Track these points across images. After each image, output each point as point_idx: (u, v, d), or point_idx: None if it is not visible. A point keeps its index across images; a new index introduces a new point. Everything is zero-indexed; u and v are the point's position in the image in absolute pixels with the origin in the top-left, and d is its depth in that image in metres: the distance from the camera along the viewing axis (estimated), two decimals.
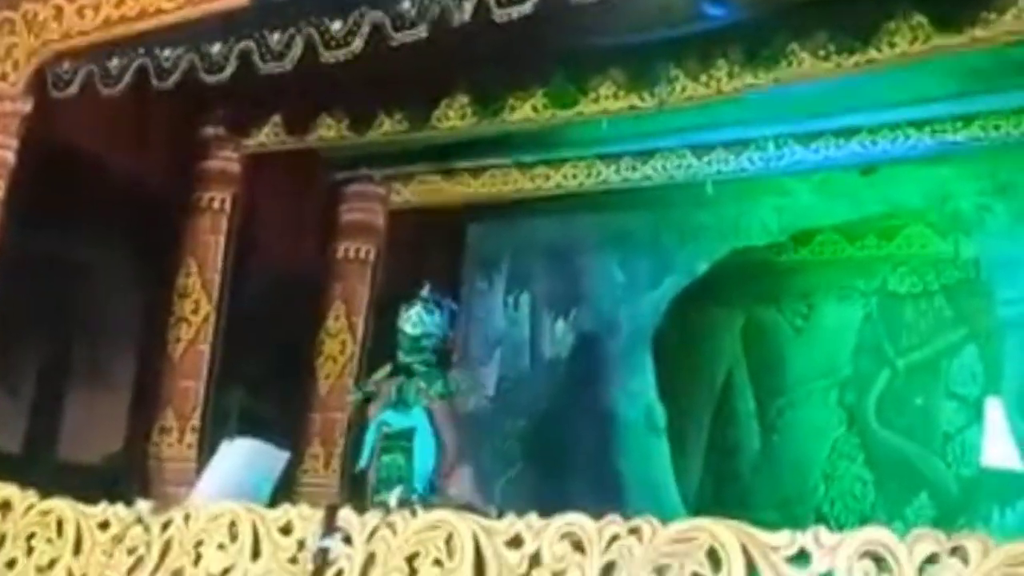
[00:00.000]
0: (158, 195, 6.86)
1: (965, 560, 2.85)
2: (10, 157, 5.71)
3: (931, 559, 2.89)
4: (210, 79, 5.25)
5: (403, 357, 5.55)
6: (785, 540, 3.09)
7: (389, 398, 5.48)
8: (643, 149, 7.12)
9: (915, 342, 8.24)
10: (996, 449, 7.31)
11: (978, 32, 5.24)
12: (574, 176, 7.36)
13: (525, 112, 6.39)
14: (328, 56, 4.90)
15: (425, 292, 5.68)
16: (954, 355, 8.05)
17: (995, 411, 7.32)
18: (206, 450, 6.21)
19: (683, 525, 3.23)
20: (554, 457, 8.26)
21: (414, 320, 5.55)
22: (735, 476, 8.54)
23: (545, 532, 3.37)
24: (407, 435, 5.36)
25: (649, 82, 6.12)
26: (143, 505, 4.25)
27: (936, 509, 7.74)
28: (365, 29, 4.76)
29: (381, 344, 7.68)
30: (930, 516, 7.57)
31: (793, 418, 8.54)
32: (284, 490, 4.92)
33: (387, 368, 5.60)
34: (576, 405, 8.37)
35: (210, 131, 6.98)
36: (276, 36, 5.02)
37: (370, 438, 5.45)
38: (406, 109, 6.55)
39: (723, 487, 8.50)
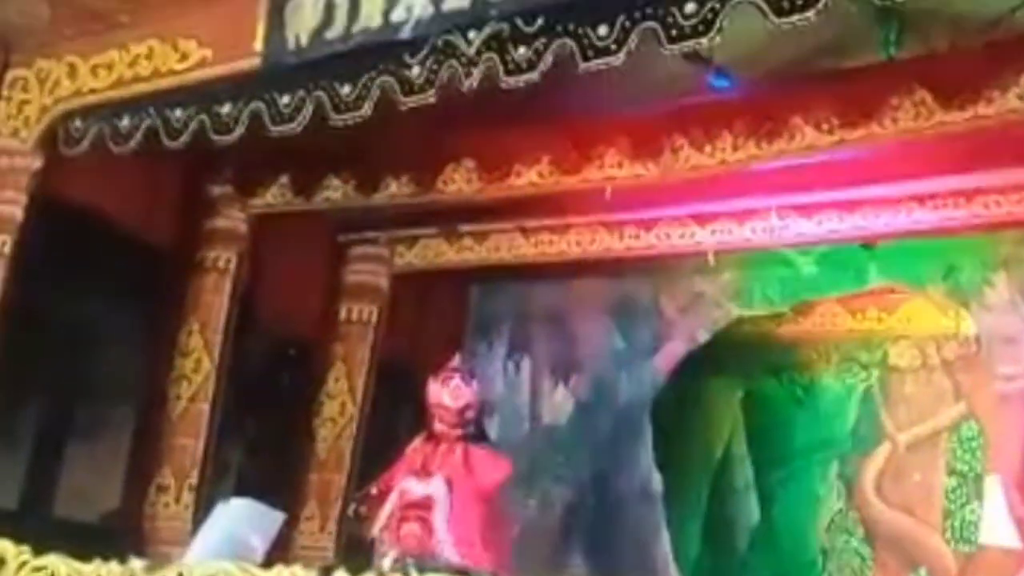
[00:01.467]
0: (163, 253, 6.89)
1: None
2: (18, 213, 5.77)
3: None
4: (220, 140, 5.30)
5: (447, 431, 5.50)
6: None
7: (413, 466, 5.46)
8: (646, 217, 7.16)
9: (915, 416, 8.23)
10: (995, 527, 7.28)
11: (981, 109, 5.30)
12: (577, 243, 7.39)
13: (530, 177, 6.43)
14: (337, 119, 4.95)
15: (457, 362, 5.67)
16: (954, 430, 8.04)
17: (994, 488, 7.30)
18: (203, 509, 6.19)
19: None
20: (551, 524, 8.22)
21: (455, 393, 5.53)
22: (733, 548, 8.48)
23: None
24: (424, 504, 5.32)
25: (654, 151, 6.17)
26: (136, 563, 4.23)
27: None
28: (374, 93, 4.82)
29: (381, 407, 7.73)
30: None
31: (792, 490, 8.50)
32: (279, 552, 4.90)
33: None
34: (574, 473, 8.35)
35: (217, 190, 7.02)
36: (286, 99, 5.08)
37: (388, 505, 5.41)
38: (412, 172, 6.60)
39: (720, 559, 8.44)
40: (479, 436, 5.66)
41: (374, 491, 5.52)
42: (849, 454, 8.37)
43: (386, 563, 4.22)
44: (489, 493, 5.50)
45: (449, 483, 5.36)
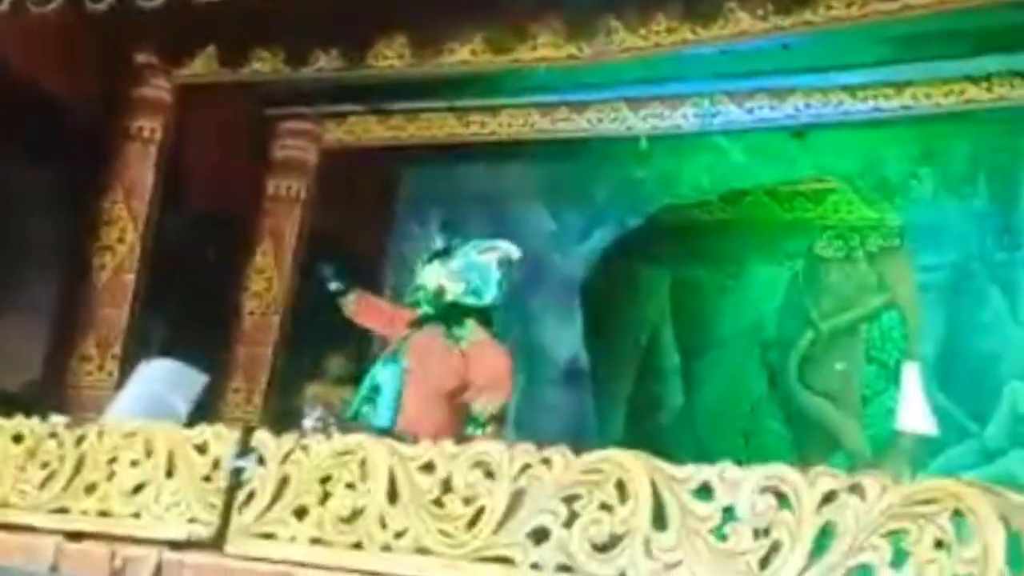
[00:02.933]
0: (88, 119, 6.76)
1: (863, 497, 2.91)
2: None
3: (830, 496, 2.95)
4: (144, 4, 5.20)
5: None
6: (690, 473, 3.15)
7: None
8: (579, 100, 7.13)
9: (838, 306, 8.38)
10: (911, 413, 7.45)
11: None
12: (508, 124, 7.35)
13: (462, 55, 6.37)
14: None
15: (437, 243, 5.61)
16: (875, 320, 8.21)
17: (912, 376, 7.46)
18: (126, 379, 6.17)
19: (593, 457, 3.27)
20: None
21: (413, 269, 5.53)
22: (657, 430, 8.62)
23: (458, 459, 3.40)
24: (377, 391, 5.33)
25: (588, 32, 6.13)
26: (58, 419, 4.22)
27: (850, 469, 7.88)
28: None
29: (308, 283, 7.71)
30: None
31: (717, 375, 8.65)
32: (205, 423, 4.89)
33: None
34: None
35: (142, 58, 6.88)
36: None
37: (362, 388, 5.41)
38: (342, 46, 6.51)
39: (644, 441, 8.49)
40: (448, 320, 5.51)
41: None
42: (773, 341, 8.52)
43: (308, 423, 4.24)
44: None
45: (405, 370, 5.32)
